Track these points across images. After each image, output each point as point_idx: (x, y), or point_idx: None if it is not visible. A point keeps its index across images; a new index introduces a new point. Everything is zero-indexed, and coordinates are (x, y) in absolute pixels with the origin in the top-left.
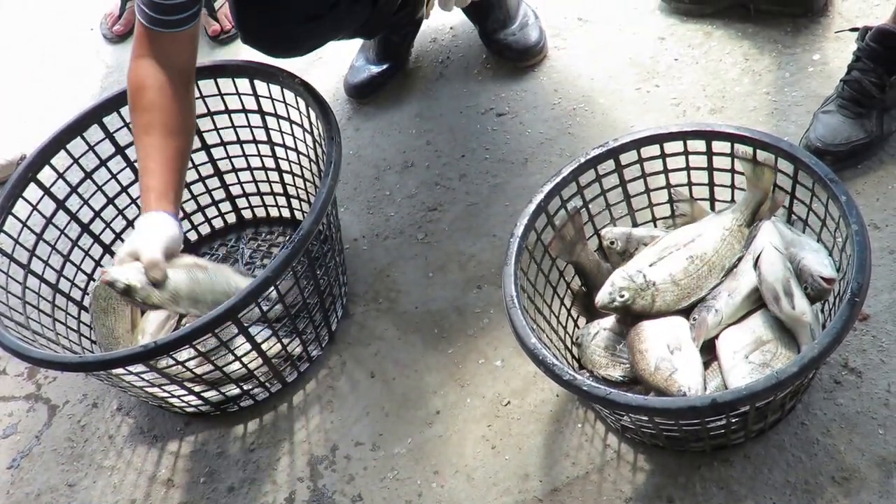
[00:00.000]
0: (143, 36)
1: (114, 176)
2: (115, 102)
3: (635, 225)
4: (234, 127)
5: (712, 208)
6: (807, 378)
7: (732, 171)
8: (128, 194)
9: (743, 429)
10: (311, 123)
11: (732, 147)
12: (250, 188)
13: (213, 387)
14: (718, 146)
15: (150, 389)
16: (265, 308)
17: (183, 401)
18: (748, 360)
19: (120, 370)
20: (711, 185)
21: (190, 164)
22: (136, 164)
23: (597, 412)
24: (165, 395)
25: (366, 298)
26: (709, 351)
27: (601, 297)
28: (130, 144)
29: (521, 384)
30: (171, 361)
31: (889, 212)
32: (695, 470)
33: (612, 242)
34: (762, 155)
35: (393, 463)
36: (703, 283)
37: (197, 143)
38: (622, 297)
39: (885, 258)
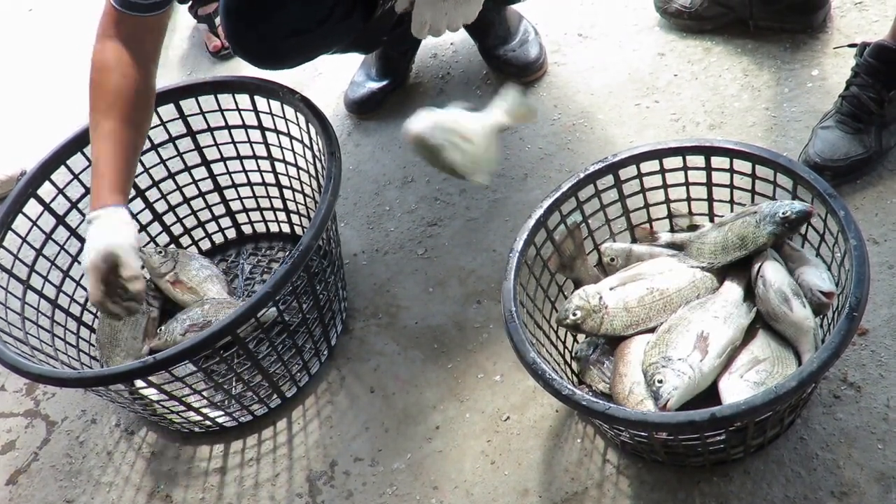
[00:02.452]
0: (110, 16)
1: None
2: None
3: (634, 240)
4: (234, 142)
5: (711, 223)
6: (805, 393)
7: (731, 186)
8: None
9: (742, 444)
10: (311, 139)
11: (731, 163)
12: (250, 203)
13: (212, 402)
14: (717, 162)
15: (149, 406)
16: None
17: (181, 416)
18: (743, 378)
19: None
20: (710, 200)
21: (190, 180)
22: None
23: (596, 427)
24: (164, 410)
25: (365, 313)
26: None
27: (559, 311)
28: None
29: (520, 399)
30: (170, 377)
31: (888, 227)
32: (694, 485)
33: (612, 259)
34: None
35: (392, 478)
36: (653, 316)
37: (197, 159)
38: (575, 315)
39: (884, 273)
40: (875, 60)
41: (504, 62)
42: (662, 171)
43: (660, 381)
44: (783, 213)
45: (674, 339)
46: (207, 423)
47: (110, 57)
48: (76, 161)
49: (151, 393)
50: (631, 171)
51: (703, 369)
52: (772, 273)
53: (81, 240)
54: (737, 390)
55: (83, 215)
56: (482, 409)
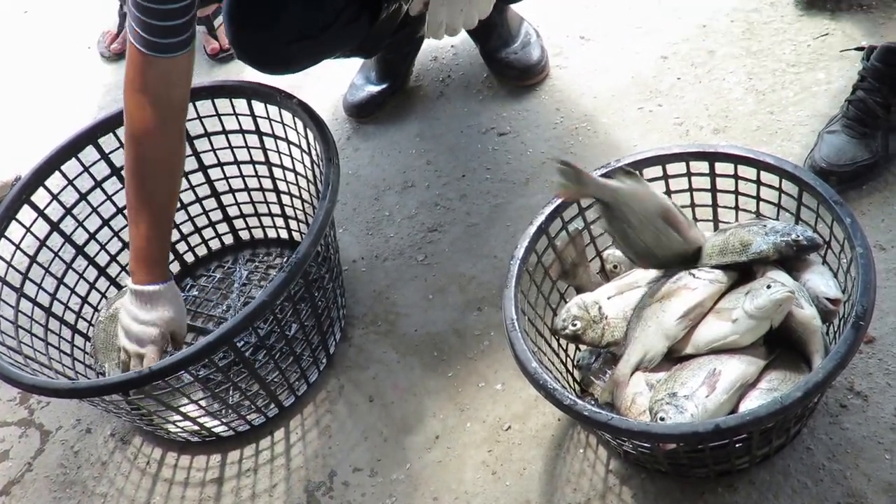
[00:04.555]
0: (139, 63)
1: (109, 197)
2: (110, 123)
3: None
4: (231, 147)
5: (716, 230)
6: (811, 403)
7: (736, 192)
8: (123, 216)
9: (747, 454)
10: (308, 144)
11: (736, 169)
12: (248, 209)
13: (209, 412)
14: (722, 167)
15: (145, 415)
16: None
17: (178, 426)
18: (756, 387)
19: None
20: (715, 206)
21: (186, 185)
22: None
23: (599, 437)
24: (160, 420)
25: (364, 321)
26: None
27: (556, 321)
28: None
29: (521, 408)
30: (166, 387)
31: (894, 233)
32: (699, 496)
33: (615, 266)
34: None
35: (391, 489)
36: None
37: (194, 164)
38: (574, 325)
39: (891, 280)
40: (882, 64)
41: (506, 65)
42: (665, 177)
43: (661, 419)
44: (795, 237)
45: (684, 375)
46: (204, 433)
47: (150, 122)
48: (71, 166)
49: (148, 403)
50: None
51: (707, 406)
52: (776, 275)
53: (76, 246)
54: (750, 398)
55: (78, 221)
56: (483, 418)
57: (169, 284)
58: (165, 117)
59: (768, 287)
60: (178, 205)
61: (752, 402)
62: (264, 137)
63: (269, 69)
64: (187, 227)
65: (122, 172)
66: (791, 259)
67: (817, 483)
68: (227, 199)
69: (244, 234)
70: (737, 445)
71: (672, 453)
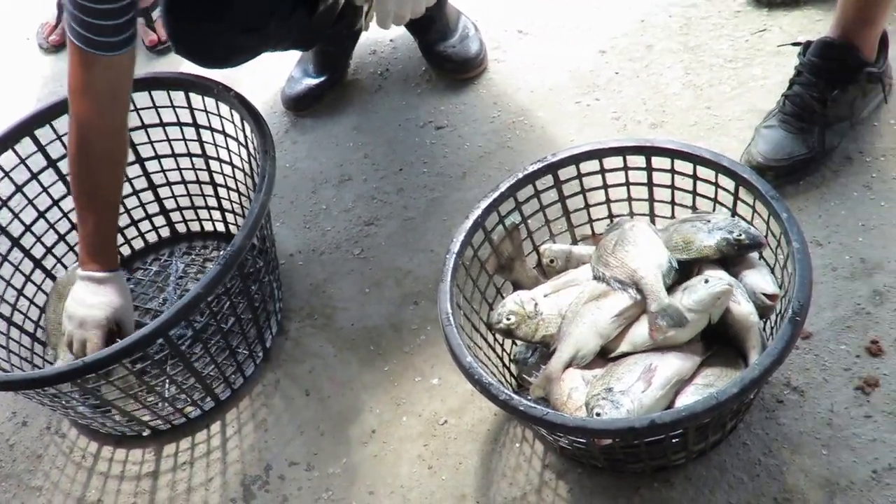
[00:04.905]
0: (79, 60)
1: (45, 189)
2: (47, 114)
3: (575, 242)
4: (168, 140)
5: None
6: (748, 398)
7: (672, 186)
8: (59, 208)
9: (684, 449)
10: (246, 137)
11: (672, 163)
12: (184, 202)
13: (144, 405)
14: (659, 162)
15: (79, 408)
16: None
17: (113, 420)
18: (692, 383)
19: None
20: (651, 200)
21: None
22: (67, 178)
23: (535, 432)
24: (96, 414)
25: (301, 315)
26: None
27: (491, 315)
28: (63, 157)
29: (458, 403)
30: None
31: (831, 228)
32: (634, 492)
33: (552, 261)
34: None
35: (328, 483)
36: None
37: (131, 157)
38: (508, 320)
39: (828, 275)
40: (818, 58)
41: (444, 58)
42: (603, 172)
43: (597, 414)
44: (737, 237)
45: (620, 371)
46: (139, 426)
47: (94, 117)
48: (7, 158)
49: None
50: (571, 170)
51: (643, 401)
52: (713, 272)
53: (12, 238)
54: (686, 393)
55: (13, 213)
56: (419, 412)
57: (118, 274)
58: (108, 112)
59: (706, 282)
60: None
61: (689, 398)
62: (201, 130)
63: (207, 63)
64: (123, 220)
65: (60, 164)
66: (734, 255)
67: (753, 478)
68: (163, 191)
69: (181, 228)
70: (673, 441)
71: (608, 448)
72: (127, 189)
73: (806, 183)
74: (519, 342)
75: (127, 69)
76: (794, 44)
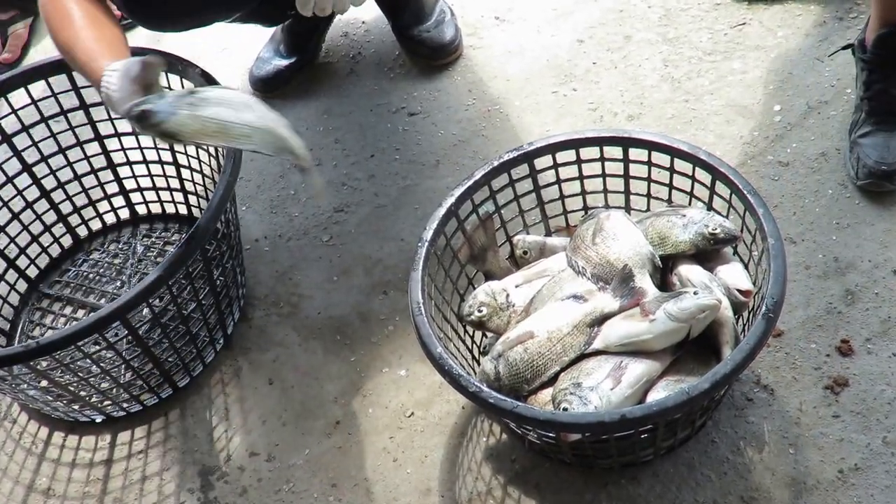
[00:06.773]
0: None
1: None
2: None
3: (549, 233)
4: None
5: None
6: (718, 394)
7: (649, 179)
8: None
9: (652, 446)
10: None
11: (650, 155)
12: (145, 182)
13: (98, 390)
14: (635, 154)
15: (30, 392)
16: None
17: (65, 405)
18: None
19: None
20: (627, 192)
21: (82, 155)
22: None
23: (503, 426)
24: (48, 398)
25: (266, 302)
26: None
27: (463, 307)
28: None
29: (425, 395)
30: (53, 363)
31: (805, 226)
32: (602, 487)
33: (525, 252)
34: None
35: (289, 475)
36: None
37: (90, 134)
38: (480, 311)
39: (801, 273)
40: (886, 50)
41: (418, 43)
42: (579, 162)
43: (564, 409)
44: (712, 231)
45: (590, 366)
46: (93, 412)
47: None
48: None
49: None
50: (546, 160)
51: (611, 399)
52: (687, 268)
53: None
54: (657, 388)
55: None
56: (385, 404)
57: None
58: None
59: (695, 293)
60: (72, 176)
61: (660, 393)
62: None
63: (152, 24)
64: (81, 200)
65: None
66: (710, 249)
67: (721, 476)
68: (123, 171)
69: (141, 209)
70: (642, 437)
71: (576, 444)
72: (85, 167)
73: (782, 180)
74: (489, 334)
75: None
76: (846, 47)
